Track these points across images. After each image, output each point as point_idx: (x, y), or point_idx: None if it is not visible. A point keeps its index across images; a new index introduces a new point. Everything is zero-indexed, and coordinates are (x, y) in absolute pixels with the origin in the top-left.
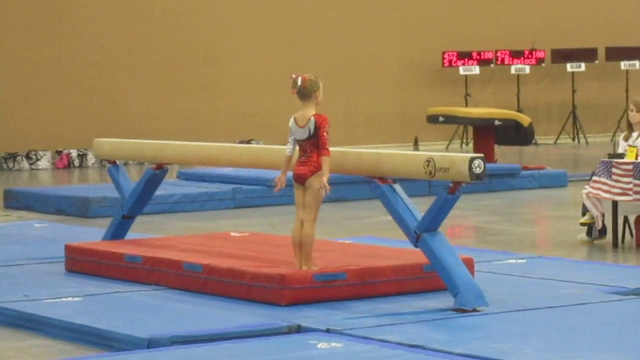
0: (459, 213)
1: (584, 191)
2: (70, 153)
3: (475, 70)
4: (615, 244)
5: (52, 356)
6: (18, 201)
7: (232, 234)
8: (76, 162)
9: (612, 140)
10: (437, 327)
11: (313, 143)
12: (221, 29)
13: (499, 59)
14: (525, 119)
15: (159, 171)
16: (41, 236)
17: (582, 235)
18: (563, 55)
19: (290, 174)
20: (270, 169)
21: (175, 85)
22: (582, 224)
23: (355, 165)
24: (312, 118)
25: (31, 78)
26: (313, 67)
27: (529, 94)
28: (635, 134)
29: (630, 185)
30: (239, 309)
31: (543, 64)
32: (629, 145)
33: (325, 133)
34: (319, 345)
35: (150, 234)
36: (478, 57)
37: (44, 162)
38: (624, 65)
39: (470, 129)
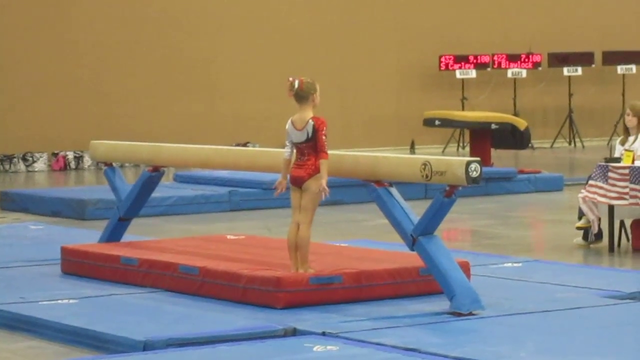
0: (455, 216)
1: (580, 195)
2: (67, 155)
3: (472, 73)
4: (611, 248)
5: (47, 358)
6: (14, 203)
7: (228, 236)
8: (72, 164)
9: (608, 144)
10: (433, 330)
11: (311, 146)
12: (218, 32)
13: (496, 62)
14: (521, 123)
15: (155, 173)
16: (37, 238)
17: (578, 239)
18: (560, 59)
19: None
20: (267, 172)
21: (171, 87)
22: (578, 228)
23: (352, 169)
24: (310, 121)
25: (27, 80)
26: (310, 70)
27: (526, 98)
28: (631, 138)
29: (627, 190)
30: (234, 312)
31: (540, 68)
32: (626, 150)
33: (323, 136)
34: (314, 348)
35: (147, 237)
36: (475, 60)
37: (40, 164)
38: (620, 69)
39: (466, 132)
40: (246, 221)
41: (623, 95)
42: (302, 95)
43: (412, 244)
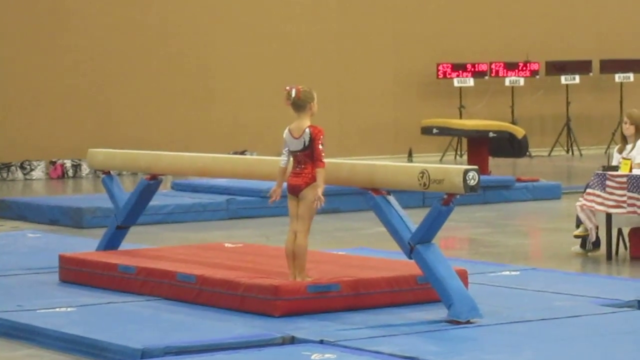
0: (453, 225)
1: (578, 203)
2: (65, 163)
3: (470, 82)
4: (609, 257)
5: None
6: (12, 211)
7: (226, 244)
8: (70, 173)
9: (606, 152)
10: (431, 338)
11: (308, 154)
12: (215, 40)
13: (494, 71)
14: (519, 131)
15: (153, 182)
16: (35, 246)
17: (576, 247)
18: (557, 68)
19: (284, 185)
20: (264, 180)
21: (169, 96)
22: (576, 236)
23: (350, 177)
24: (308, 129)
25: (25, 88)
26: (307, 78)
27: (523, 106)
28: (629, 147)
29: (624, 198)
30: (232, 320)
31: (537, 76)
32: (623, 158)
33: (320, 145)
34: (312, 357)
35: (144, 245)
36: (472, 69)
37: (38, 172)
38: (618, 77)
39: (464, 140)
40: (244, 229)
41: (621, 103)
42: (299, 104)
43: (410, 252)
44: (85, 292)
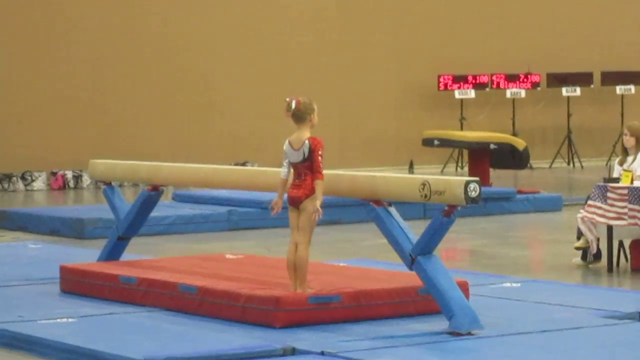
0: (454, 236)
1: (579, 215)
2: (66, 174)
3: (471, 93)
4: (610, 268)
5: None
6: (13, 222)
7: (227, 255)
8: (71, 183)
9: (607, 164)
10: (432, 350)
11: (307, 166)
12: (216, 52)
13: (495, 82)
14: (520, 143)
15: (154, 193)
16: (36, 257)
17: (577, 259)
18: (559, 80)
19: (285, 196)
20: (266, 191)
21: (170, 107)
22: (577, 248)
23: (351, 188)
24: (307, 141)
25: (26, 99)
26: (308, 89)
27: (525, 118)
28: (630, 159)
29: (625, 210)
30: (233, 331)
31: (538, 88)
32: (624, 170)
33: (319, 156)
34: None
35: (145, 256)
36: (473, 80)
37: (39, 183)
38: (619, 89)
39: (465, 152)
40: (245, 240)
41: (622, 115)
42: (299, 116)
43: (411, 263)
44: (87, 302)
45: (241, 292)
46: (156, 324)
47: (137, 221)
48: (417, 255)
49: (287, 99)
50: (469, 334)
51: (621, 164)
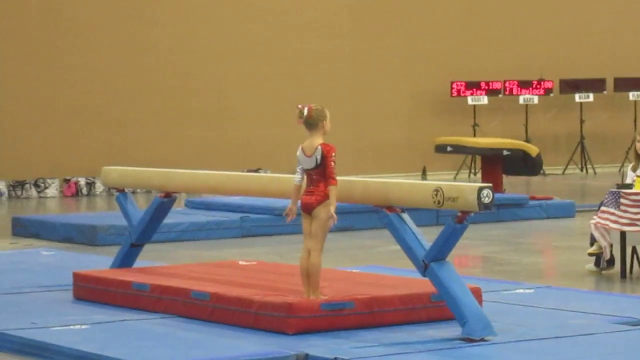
0: (467, 243)
1: (592, 221)
2: (78, 181)
3: (484, 100)
4: (623, 275)
5: None
6: (26, 229)
7: (240, 262)
8: (84, 190)
9: (620, 170)
10: (445, 356)
11: (320, 172)
12: (228, 58)
13: (507, 89)
14: (533, 149)
15: (167, 199)
16: (49, 264)
17: (590, 265)
18: (571, 86)
19: (299, 203)
20: (279, 198)
21: (183, 114)
22: (590, 254)
23: (363, 195)
24: (319, 147)
25: (39, 106)
26: (321, 96)
27: (537, 124)
28: None
29: (639, 216)
30: (246, 338)
31: (551, 94)
32: (637, 176)
33: (332, 162)
34: None
35: (158, 262)
36: (486, 87)
37: (52, 190)
38: (632, 95)
39: (478, 158)
40: (258, 247)
41: (635, 121)
42: (311, 122)
43: (424, 270)
44: (99, 309)
45: (254, 299)
46: (169, 331)
47: (150, 228)
48: (430, 262)
49: (299, 106)
50: (482, 340)
51: (634, 170)
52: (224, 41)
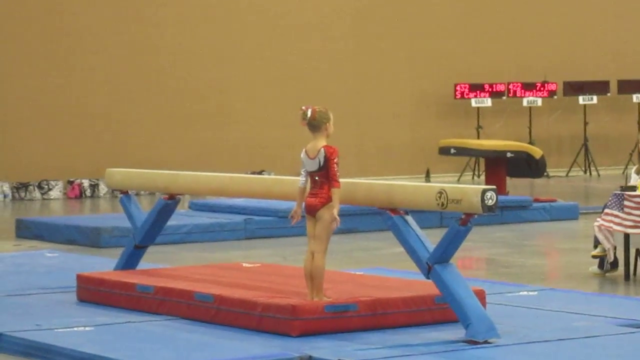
0: (471, 245)
1: (596, 224)
2: (82, 183)
3: (487, 102)
4: (627, 277)
5: None
6: (30, 231)
7: (244, 264)
8: (88, 192)
9: (623, 172)
10: (449, 358)
11: (323, 174)
12: (232, 60)
13: (511, 91)
14: (537, 152)
15: (171, 201)
16: (53, 266)
17: (594, 267)
18: (575, 88)
19: (303, 205)
20: (282, 200)
21: (186, 116)
22: (594, 257)
23: (367, 197)
24: (322, 150)
25: (43, 108)
26: (324, 98)
27: (541, 127)
28: None
29: None
30: (250, 340)
31: (555, 97)
32: None
33: (335, 164)
34: None
35: (162, 264)
36: (490, 89)
37: (56, 192)
38: (636, 98)
39: (481, 161)
40: (262, 249)
41: (638, 123)
42: (314, 124)
43: (428, 272)
44: (103, 311)
45: (258, 301)
46: (173, 333)
47: (154, 230)
48: (434, 264)
49: (303, 107)
50: (486, 342)
51: (638, 172)
52: (228, 43)
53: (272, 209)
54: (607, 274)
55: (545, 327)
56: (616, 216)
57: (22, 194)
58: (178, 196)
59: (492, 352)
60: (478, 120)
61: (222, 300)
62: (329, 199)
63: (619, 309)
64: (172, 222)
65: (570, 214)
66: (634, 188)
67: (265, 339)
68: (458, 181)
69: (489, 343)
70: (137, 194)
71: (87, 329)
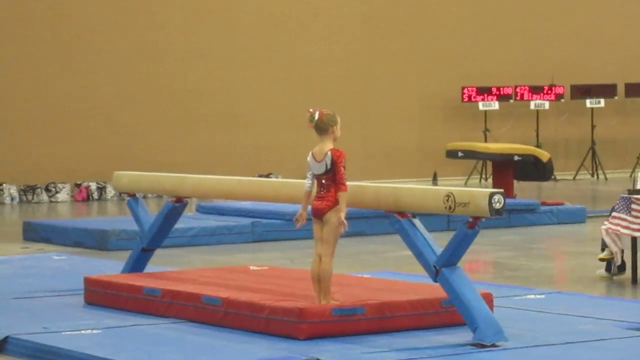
0: (478, 248)
1: (603, 227)
2: (90, 186)
3: (495, 105)
4: (634, 280)
5: None
6: (37, 233)
7: (251, 267)
8: (95, 195)
9: (631, 176)
10: None
11: (330, 178)
12: (239, 63)
13: (519, 94)
14: (544, 155)
15: (178, 204)
16: (60, 268)
17: (601, 270)
18: (582, 91)
19: (309, 208)
20: (290, 203)
21: (194, 118)
22: (601, 260)
23: (374, 200)
24: (329, 153)
25: (50, 111)
26: (331, 101)
27: (548, 130)
28: None
29: None
30: (257, 343)
31: (562, 100)
32: None
33: (342, 168)
34: None
35: (169, 267)
36: (497, 92)
37: (63, 195)
38: None
39: (489, 164)
40: (269, 252)
41: None
42: (321, 127)
43: (435, 275)
44: (110, 314)
45: (265, 304)
46: (180, 336)
47: (161, 233)
48: (441, 267)
49: (310, 110)
50: (493, 345)
51: None
52: (235, 46)
53: (279, 212)
54: (614, 277)
55: (552, 330)
56: (623, 219)
57: (30, 197)
58: (185, 199)
59: (500, 356)
60: (485, 124)
61: (229, 303)
62: (335, 202)
63: (626, 312)
64: (179, 225)
65: (577, 217)
66: None
67: (272, 342)
68: (465, 184)
69: (496, 346)
70: (145, 197)
71: (94, 331)
